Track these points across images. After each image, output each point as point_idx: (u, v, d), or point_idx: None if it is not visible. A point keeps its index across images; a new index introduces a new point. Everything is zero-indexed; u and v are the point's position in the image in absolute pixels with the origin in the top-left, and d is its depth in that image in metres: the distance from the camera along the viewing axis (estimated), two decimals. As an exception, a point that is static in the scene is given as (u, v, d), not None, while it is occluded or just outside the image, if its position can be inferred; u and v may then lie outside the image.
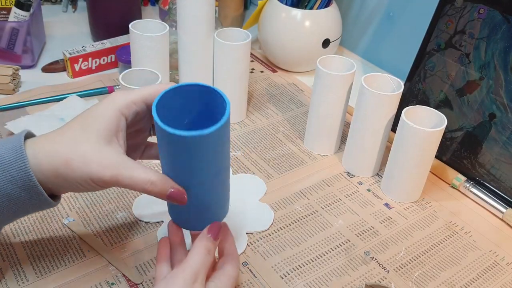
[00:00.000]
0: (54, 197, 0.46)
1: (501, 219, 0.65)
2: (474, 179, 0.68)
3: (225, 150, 0.45)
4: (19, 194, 0.43)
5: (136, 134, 0.50)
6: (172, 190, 0.44)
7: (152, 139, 0.53)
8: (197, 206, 0.47)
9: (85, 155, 0.43)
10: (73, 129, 0.44)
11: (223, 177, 0.48)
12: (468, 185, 0.67)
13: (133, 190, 0.44)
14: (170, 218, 0.59)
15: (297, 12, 0.86)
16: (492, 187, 0.66)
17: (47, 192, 0.44)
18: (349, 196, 0.66)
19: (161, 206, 0.61)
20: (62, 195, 0.61)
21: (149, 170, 0.44)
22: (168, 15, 0.83)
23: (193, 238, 0.49)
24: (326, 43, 0.88)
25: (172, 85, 0.45)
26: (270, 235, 0.59)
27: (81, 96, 0.79)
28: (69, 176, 0.43)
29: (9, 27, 0.82)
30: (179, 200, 0.44)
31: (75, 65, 0.84)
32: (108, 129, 0.44)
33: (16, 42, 0.83)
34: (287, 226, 0.61)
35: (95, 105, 0.46)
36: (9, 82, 0.78)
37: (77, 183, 0.43)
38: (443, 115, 0.61)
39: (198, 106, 0.46)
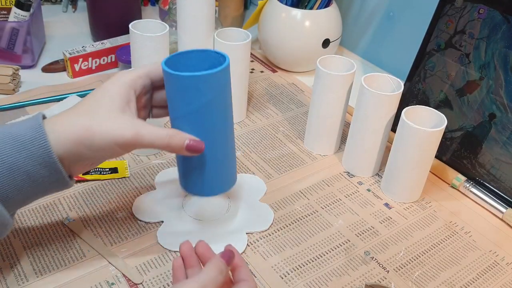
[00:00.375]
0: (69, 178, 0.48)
1: (501, 219, 0.65)
2: (474, 179, 0.68)
3: (228, 97, 0.50)
4: (39, 171, 0.45)
5: (138, 112, 0.51)
6: (189, 140, 0.47)
7: (149, 121, 0.55)
8: (210, 162, 0.51)
9: (105, 121, 0.46)
10: (87, 104, 0.47)
11: (230, 133, 0.52)
12: (468, 185, 0.67)
13: (154, 147, 0.47)
14: (170, 218, 0.60)
15: (297, 12, 0.86)
16: (492, 187, 0.66)
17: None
18: (349, 196, 0.66)
19: (161, 206, 0.61)
20: (63, 196, 0.61)
21: (165, 127, 0.48)
22: (168, 15, 0.83)
23: (203, 261, 0.49)
24: (326, 43, 0.88)
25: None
26: (270, 235, 0.59)
27: (81, 96, 0.79)
28: (92, 143, 0.45)
29: (9, 27, 0.82)
30: (197, 149, 0.48)
31: (75, 65, 0.84)
32: (120, 100, 0.47)
33: (16, 42, 0.83)
34: (287, 226, 0.61)
35: (104, 83, 0.48)
36: (9, 82, 0.78)
37: (100, 148, 0.46)
38: (443, 115, 0.62)
39: (201, 68, 0.50)
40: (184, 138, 0.48)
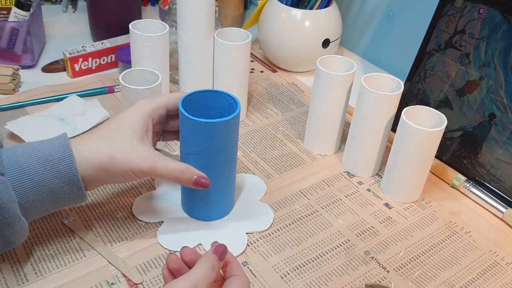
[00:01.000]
0: None
1: (501, 219, 0.65)
2: (474, 179, 0.68)
3: (236, 139, 0.56)
4: (62, 188, 0.48)
5: (152, 137, 0.55)
6: (197, 176, 0.52)
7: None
8: (214, 194, 0.57)
9: (126, 151, 0.50)
10: (109, 131, 0.51)
11: (233, 167, 0.58)
12: (468, 185, 0.67)
13: (166, 178, 0.52)
14: (170, 218, 0.60)
15: (297, 12, 0.86)
16: (492, 187, 0.66)
17: None
18: (349, 196, 0.66)
19: (161, 206, 0.61)
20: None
21: (177, 161, 0.52)
22: (168, 15, 0.83)
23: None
24: (326, 43, 0.88)
25: (187, 92, 0.55)
26: (270, 235, 0.59)
27: (81, 96, 0.79)
28: (113, 169, 0.50)
29: (9, 27, 0.82)
30: (203, 185, 0.52)
31: (75, 65, 0.84)
32: (140, 130, 0.51)
33: (16, 42, 0.83)
34: (287, 226, 0.61)
35: (125, 111, 0.53)
36: (9, 82, 0.78)
37: (119, 175, 0.50)
38: (443, 115, 0.61)
39: (211, 107, 0.56)
40: (193, 174, 0.52)
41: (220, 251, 0.45)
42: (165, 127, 0.58)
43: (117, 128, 0.51)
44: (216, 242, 0.48)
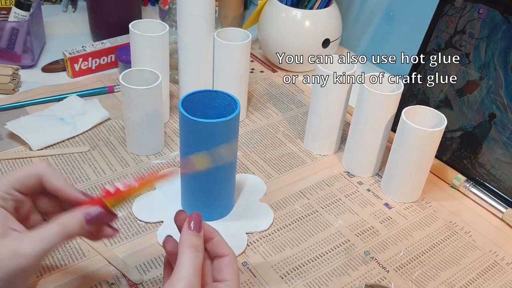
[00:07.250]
0: None
1: (501, 219, 0.65)
2: (474, 179, 0.68)
3: (236, 139, 0.56)
4: None
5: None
6: (88, 214, 0.41)
7: None
8: (215, 195, 0.57)
9: None
10: None
11: (234, 167, 0.58)
12: (468, 185, 0.67)
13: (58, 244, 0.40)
14: (170, 218, 0.59)
15: (297, 12, 0.86)
16: (492, 187, 0.66)
17: None
18: (349, 196, 0.66)
19: (161, 206, 0.61)
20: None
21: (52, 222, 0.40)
22: (168, 15, 0.83)
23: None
24: (326, 43, 0.88)
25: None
26: (270, 235, 0.59)
27: (81, 96, 0.79)
28: None
29: (9, 27, 0.82)
30: (108, 219, 0.42)
31: (75, 65, 0.84)
32: None
33: (16, 42, 0.83)
34: (287, 226, 0.61)
35: None
36: (9, 82, 0.78)
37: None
38: (443, 115, 0.62)
39: (211, 107, 0.57)
40: (77, 216, 0.40)
41: (196, 222, 0.40)
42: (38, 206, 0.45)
43: None
44: (180, 211, 0.43)
